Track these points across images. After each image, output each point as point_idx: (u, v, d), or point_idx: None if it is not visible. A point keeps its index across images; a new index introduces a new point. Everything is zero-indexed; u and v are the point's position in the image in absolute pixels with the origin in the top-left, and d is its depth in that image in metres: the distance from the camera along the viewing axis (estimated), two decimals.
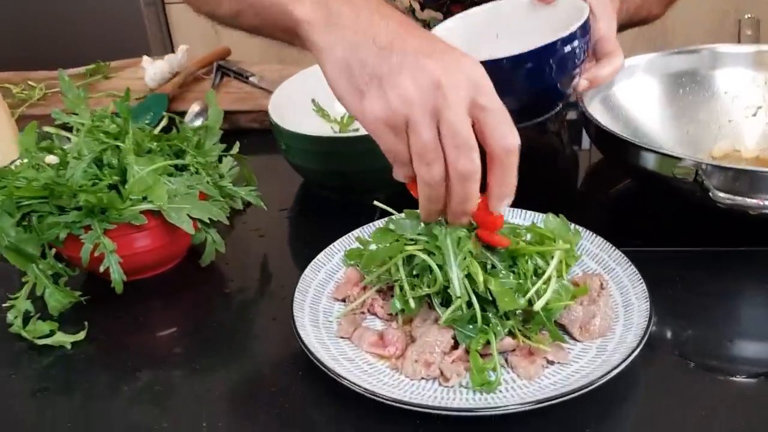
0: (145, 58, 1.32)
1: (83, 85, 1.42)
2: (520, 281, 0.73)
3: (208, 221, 0.85)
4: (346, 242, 0.89)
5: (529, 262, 0.73)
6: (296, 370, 0.76)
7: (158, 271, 0.92)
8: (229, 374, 0.78)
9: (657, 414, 0.69)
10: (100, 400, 0.75)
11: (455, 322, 0.72)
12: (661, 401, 0.70)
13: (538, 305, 0.71)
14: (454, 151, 0.56)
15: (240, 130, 1.29)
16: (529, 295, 0.72)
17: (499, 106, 0.57)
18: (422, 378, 0.71)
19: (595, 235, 0.86)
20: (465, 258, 0.70)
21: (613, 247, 0.83)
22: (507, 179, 0.60)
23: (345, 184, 1.03)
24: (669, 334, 0.79)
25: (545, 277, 0.72)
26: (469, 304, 0.71)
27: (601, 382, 0.67)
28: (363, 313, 0.80)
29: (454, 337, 0.73)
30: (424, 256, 0.72)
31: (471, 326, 0.72)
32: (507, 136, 0.57)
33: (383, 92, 0.55)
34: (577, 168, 1.21)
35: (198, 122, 1.24)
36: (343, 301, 0.82)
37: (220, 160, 1.02)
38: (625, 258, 0.81)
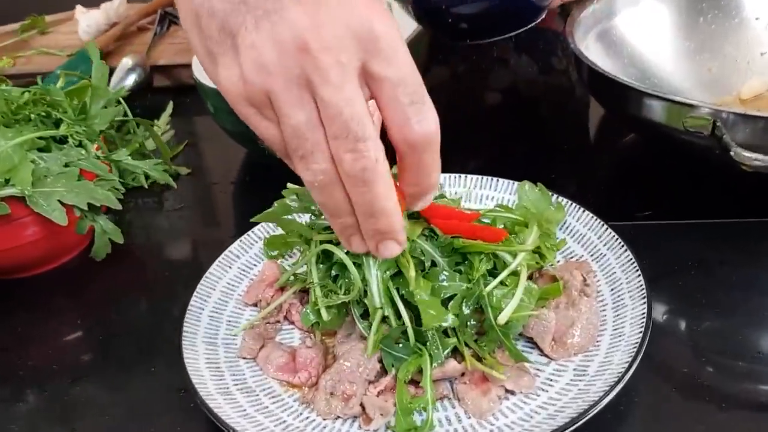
0: (79, 8, 1.16)
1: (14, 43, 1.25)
2: (470, 285, 0.54)
3: (88, 207, 0.67)
4: (272, 227, 0.71)
5: (483, 261, 0.54)
6: (189, 400, 0.58)
7: (48, 267, 0.75)
8: (117, 400, 0.61)
9: None
10: None
11: (382, 341, 0.54)
12: None
13: (501, 318, 0.53)
14: (334, 142, 0.39)
15: (183, 87, 1.11)
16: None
17: (401, 75, 0.39)
18: (338, 417, 0.53)
19: (581, 209, 0.66)
20: None
21: (604, 226, 0.64)
22: (420, 178, 0.44)
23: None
24: (678, 344, 0.60)
25: (500, 278, 0.54)
26: (398, 316, 0.53)
27: (578, 424, 0.48)
28: (278, 322, 0.63)
29: (381, 360, 0.55)
30: (338, 251, 0.54)
31: (401, 345, 0.54)
32: (411, 122, 0.40)
33: (236, 55, 0.39)
34: (586, 115, 1.00)
35: (130, 79, 1.06)
36: (256, 306, 0.64)
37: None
38: (619, 241, 0.62)
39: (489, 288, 0.54)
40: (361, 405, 0.53)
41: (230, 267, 0.67)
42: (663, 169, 0.80)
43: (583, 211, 0.66)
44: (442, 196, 0.63)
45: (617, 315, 0.57)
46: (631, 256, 0.60)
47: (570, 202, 0.67)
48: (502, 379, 0.52)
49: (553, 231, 0.64)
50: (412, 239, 0.54)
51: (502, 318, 0.52)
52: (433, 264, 0.55)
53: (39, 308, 0.73)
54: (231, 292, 0.65)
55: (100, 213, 0.71)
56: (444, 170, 0.46)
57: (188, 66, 1.10)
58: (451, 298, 0.54)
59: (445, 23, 0.96)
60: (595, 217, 0.65)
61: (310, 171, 0.40)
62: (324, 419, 0.53)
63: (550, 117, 1.00)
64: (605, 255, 0.62)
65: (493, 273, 0.55)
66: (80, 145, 0.70)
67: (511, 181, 0.71)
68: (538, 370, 0.55)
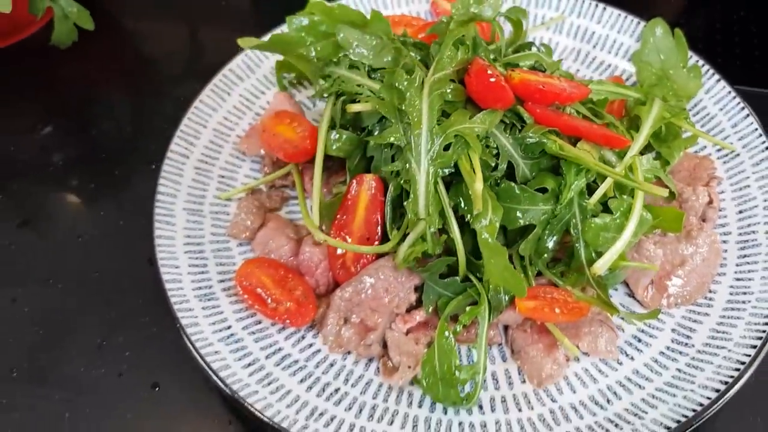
0: None
1: None
2: (556, 209, 0.38)
3: None
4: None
5: (582, 174, 0.38)
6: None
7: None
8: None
9: None
10: None
11: (425, 269, 0.39)
12: None
13: (598, 267, 0.38)
14: None
15: None
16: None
17: None
18: (349, 353, 0.40)
19: (720, 80, 0.48)
20: (453, 143, 0.36)
21: (744, 110, 0.46)
22: None
23: None
24: None
25: (597, 196, 0.38)
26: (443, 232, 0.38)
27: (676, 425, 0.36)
28: (285, 186, 0.48)
29: (420, 287, 0.41)
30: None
31: (449, 281, 0.39)
32: None
33: None
34: None
35: None
36: (261, 158, 0.49)
37: None
38: (762, 138, 0.45)
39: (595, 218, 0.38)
40: (383, 344, 0.40)
41: (228, 94, 0.50)
42: None
43: (717, 79, 0.48)
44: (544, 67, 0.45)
45: (744, 258, 0.42)
46: None
47: (707, 66, 0.48)
48: (574, 352, 0.38)
49: (683, 111, 0.46)
50: (487, 129, 0.37)
51: (600, 267, 0.37)
52: (510, 168, 0.39)
53: None
54: (227, 132, 0.49)
55: None
56: None
57: None
58: (528, 228, 0.38)
59: None
60: (731, 93, 0.47)
61: None
62: (329, 353, 0.40)
63: None
64: (738, 155, 0.45)
65: (590, 187, 0.39)
66: None
67: (630, 17, 0.52)
68: (622, 320, 0.41)
